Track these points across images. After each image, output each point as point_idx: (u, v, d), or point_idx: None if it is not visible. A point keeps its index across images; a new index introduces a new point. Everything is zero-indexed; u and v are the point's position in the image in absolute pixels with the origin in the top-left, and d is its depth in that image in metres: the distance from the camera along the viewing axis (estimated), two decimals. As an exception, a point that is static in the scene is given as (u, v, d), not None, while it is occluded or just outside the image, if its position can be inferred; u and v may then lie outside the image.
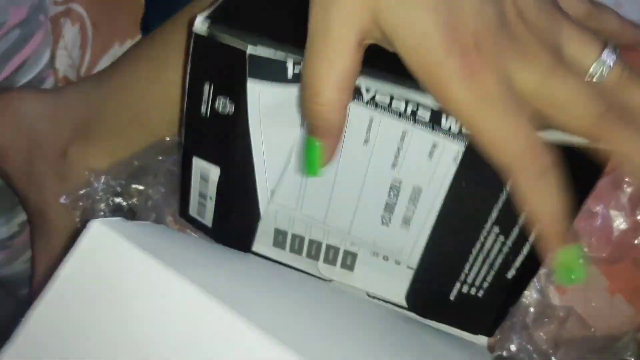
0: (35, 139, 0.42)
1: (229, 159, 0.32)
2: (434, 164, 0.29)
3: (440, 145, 0.28)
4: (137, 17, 0.47)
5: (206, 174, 0.33)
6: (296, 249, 0.35)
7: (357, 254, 0.34)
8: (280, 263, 0.36)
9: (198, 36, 0.28)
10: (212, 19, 0.28)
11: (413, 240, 0.32)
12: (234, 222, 0.35)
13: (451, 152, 0.28)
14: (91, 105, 0.41)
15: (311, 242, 0.34)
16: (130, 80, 0.40)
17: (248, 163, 0.31)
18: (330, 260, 0.35)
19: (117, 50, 0.48)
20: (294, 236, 0.34)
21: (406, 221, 0.31)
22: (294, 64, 0.27)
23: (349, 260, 0.35)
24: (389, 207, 0.31)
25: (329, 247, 0.34)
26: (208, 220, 0.36)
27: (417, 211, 0.31)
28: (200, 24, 0.28)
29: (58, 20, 0.48)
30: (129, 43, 0.47)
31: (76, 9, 0.48)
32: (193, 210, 0.36)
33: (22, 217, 0.48)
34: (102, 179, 0.40)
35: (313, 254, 0.35)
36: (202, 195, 0.35)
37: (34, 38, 0.45)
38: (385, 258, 0.34)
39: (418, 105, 0.27)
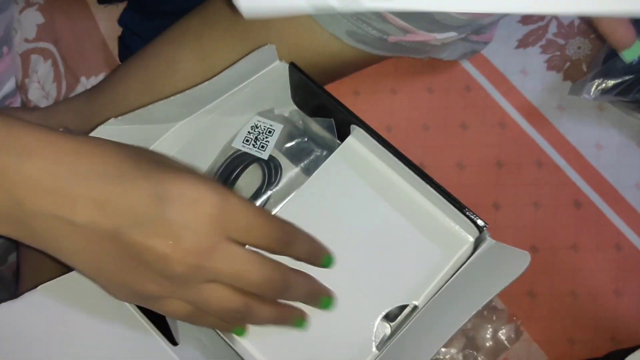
0: None
1: None
2: None
3: None
4: (105, 53, 0.50)
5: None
6: None
7: None
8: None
9: None
10: None
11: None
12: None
13: None
14: (83, 119, 0.42)
15: None
16: (122, 93, 0.42)
17: None
18: None
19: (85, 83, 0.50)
20: None
21: None
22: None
23: None
24: None
25: None
26: None
27: None
28: None
29: (29, 56, 0.50)
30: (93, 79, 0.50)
31: (46, 46, 0.50)
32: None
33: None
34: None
35: None
36: None
37: None
38: None
39: None
